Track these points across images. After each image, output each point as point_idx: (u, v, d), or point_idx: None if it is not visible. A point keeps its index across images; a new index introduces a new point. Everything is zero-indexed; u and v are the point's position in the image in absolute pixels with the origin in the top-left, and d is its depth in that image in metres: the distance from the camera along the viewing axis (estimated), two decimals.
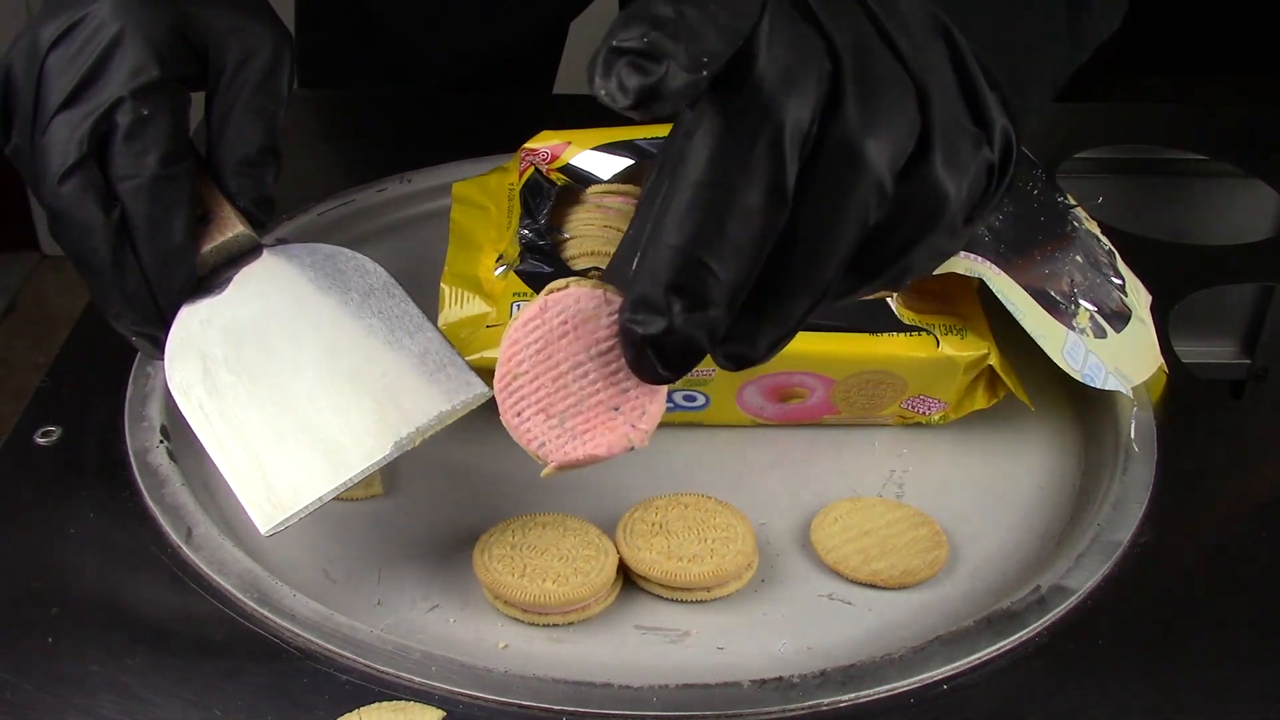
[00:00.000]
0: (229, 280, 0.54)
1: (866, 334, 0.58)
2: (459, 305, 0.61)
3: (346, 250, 0.57)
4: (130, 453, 0.56)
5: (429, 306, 0.62)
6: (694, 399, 0.61)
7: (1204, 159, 0.88)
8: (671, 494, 0.54)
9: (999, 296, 0.57)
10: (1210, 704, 0.48)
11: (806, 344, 0.57)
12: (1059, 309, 0.60)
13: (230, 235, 0.54)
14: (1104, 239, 0.66)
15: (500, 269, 0.62)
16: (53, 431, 0.58)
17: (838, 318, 0.58)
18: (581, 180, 0.68)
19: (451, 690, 0.46)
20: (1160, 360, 0.63)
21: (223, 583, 0.50)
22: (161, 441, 0.57)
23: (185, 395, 0.52)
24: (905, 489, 0.58)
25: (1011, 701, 0.47)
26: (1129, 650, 0.49)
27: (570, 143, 0.69)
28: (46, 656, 0.47)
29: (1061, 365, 0.57)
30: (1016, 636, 0.49)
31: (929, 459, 0.60)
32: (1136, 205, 0.89)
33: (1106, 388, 0.58)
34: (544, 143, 0.69)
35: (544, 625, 0.51)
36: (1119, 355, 0.60)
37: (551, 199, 0.66)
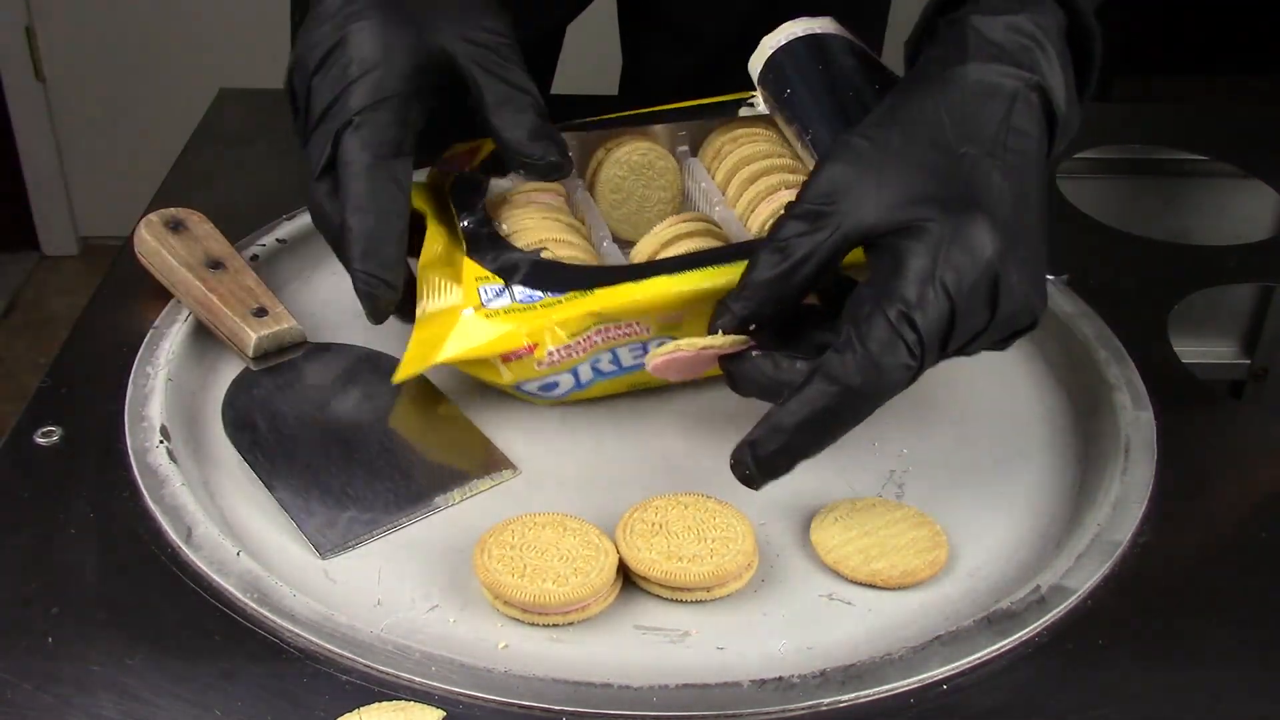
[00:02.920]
0: (282, 364, 0.63)
1: None
2: (438, 297, 0.61)
3: (386, 354, 0.64)
4: (130, 453, 0.56)
5: None
6: (662, 343, 0.60)
7: (1204, 159, 0.88)
8: (671, 494, 0.54)
9: None
10: (1210, 704, 0.48)
11: None
12: None
13: (284, 326, 0.63)
14: None
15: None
16: (53, 431, 0.58)
17: None
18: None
19: (451, 690, 0.46)
20: None
21: (223, 583, 0.50)
22: (161, 441, 0.57)
23: (243, 446, 0.59)
24: (905, 489, 0.58)
25: (1011, 701, 0.47)
26: (1129, 650, 0.49)
27: (481, 146, 0.69)
28: (46, 656, 0.47)
29: None
30: (1016, 636, 0.49)
31: (929, 459, 0.60)
32: (1136, 205, 0.89)
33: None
34: (455, 152, 0.69)
35: (544, 625, 0.51)
36: None
37: (485, 191, 0.66)
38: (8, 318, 2.18)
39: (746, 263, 0.54)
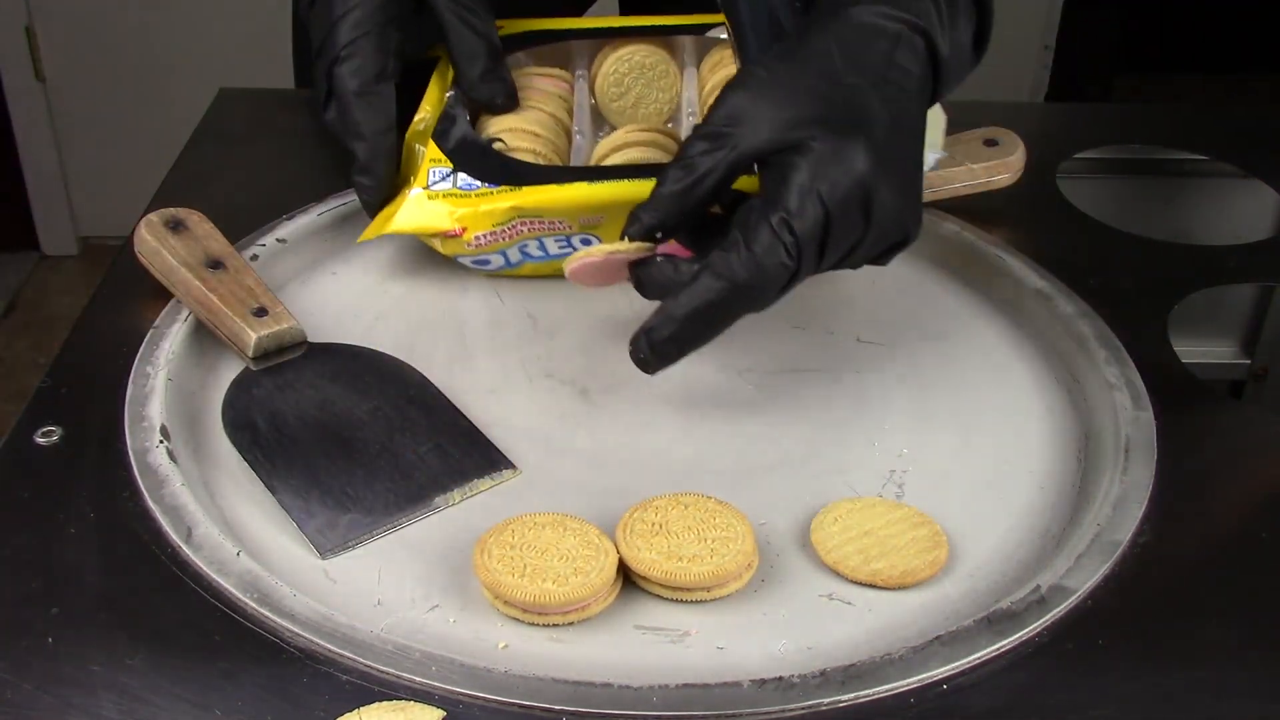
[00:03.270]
0: (282, 364, 0.63)
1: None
2: (409, 170, 0.68)
3: (386, 354, 0.65)
4: (130, 453, 0.56)
5: (421, 291, 0.62)
6: (590, 242, 0.67)
7: (1204, 159, 0.88)
8: (671, 494, 0.54)
9: None
10: (1210, 704, 0.48)
11: None
12: None
13: (284, 326, 0.63)
14: None
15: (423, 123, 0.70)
16: (53, 431, 0.58)
17: None
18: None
19: (451, 690, 0.46)
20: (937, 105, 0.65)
21: (223, 583, 0.50)
22: (161, 441, 0.57)
23: (243, 446, 0.59)
24: (905, 489, 0.58)
25: (1011, 701, 0.47)
26: (1129, 650, 0.49)
27: (501, 27, 0.75)
28: (46, 656, 0.47)
29: None
30: (1016, 636, 0.49)
31: (929, 459, 0.60)
32: (1136, 205, 0.89)
33: (929, 170, 0.65)
34: None
35: (544, 625, 0.51)
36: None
37: None
38: (8, 318, 2.18)
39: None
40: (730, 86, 0.57)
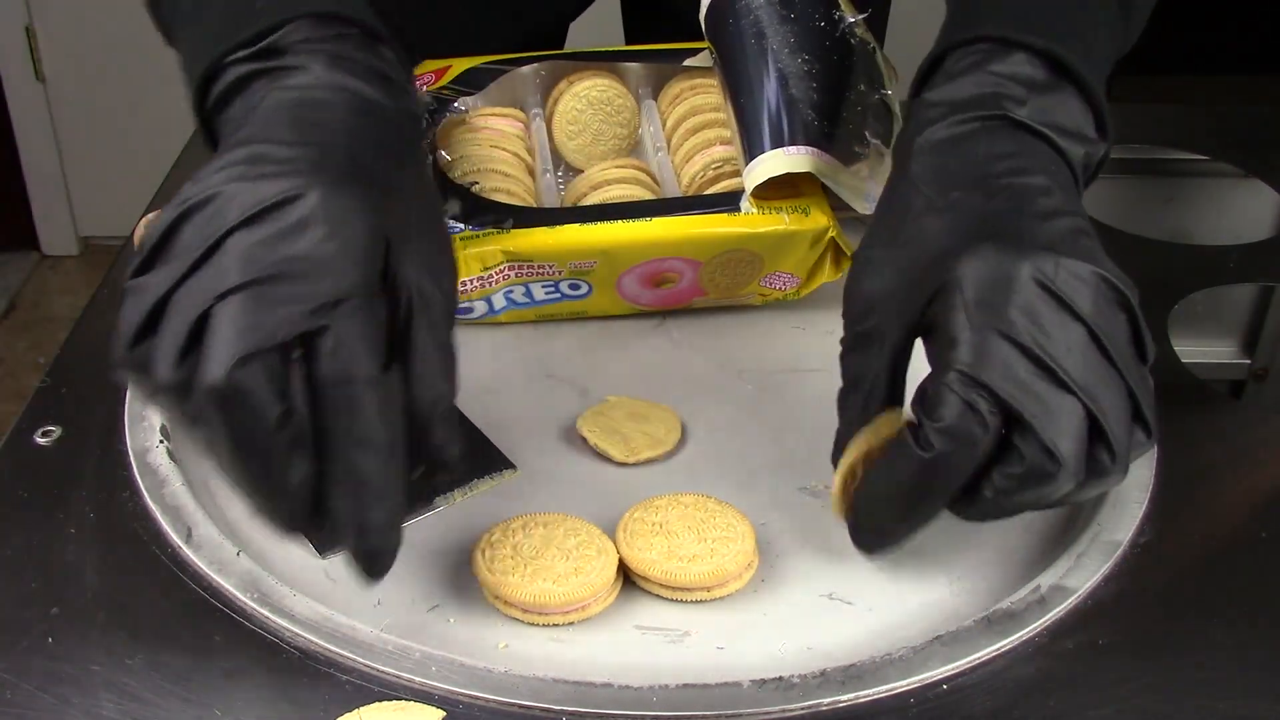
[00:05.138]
0: None
1: (724, 214, 0.63)
2: None
3: None
4: (130, 453, 0.56)
5: None
6: (578, 287, 0.65)
7: (1204, 159, 0.88)
8: (671, 494, 0.54)
9: (819, 176, 0.63)
10: (1209, 703, 0.48)
11: (674, 228, 0.63)
12: (861, 158, 0.64)
13: None
14: (870, 38, 0.68)
15: None
16: (53, 431, 0.58)
17: (698, 203, 0.64)
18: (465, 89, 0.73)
19: (451, 690, 0.46)
20: None
21: (223, 583, 0.50)
22: (161, 441, 0.57)
23: None
24: None
25: (1011, 701, 0.47)
26: (1129, 650, 0.49)
27: (450, 65, 0.73)
28: (46, 656, 0.47)
29: (865, 211, 0.62)
30: (1016, 636, 0.49)
31: None
32: (1136, 205, 0.89)
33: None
34: (425, 70, 0.73)
35: (544, 625, 0.51)
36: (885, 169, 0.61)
37: (442, 114, 0.70)
38: (8, 318, 2.18)
39: (660, 219, 0.61)
40: (850, 278, 0.52)
